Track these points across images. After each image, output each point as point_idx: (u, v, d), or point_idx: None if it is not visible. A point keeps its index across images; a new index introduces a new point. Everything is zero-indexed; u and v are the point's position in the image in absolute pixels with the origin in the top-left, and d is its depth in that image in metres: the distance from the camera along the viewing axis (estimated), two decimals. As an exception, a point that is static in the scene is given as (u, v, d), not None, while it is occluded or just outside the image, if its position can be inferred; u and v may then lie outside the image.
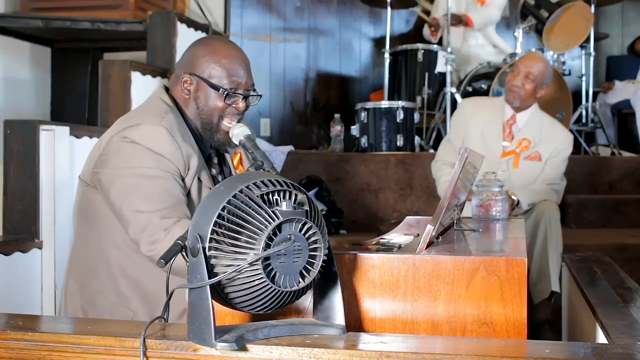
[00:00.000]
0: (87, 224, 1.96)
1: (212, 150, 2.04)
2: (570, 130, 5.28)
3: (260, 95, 2.00)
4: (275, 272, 1.16)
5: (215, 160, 2.07)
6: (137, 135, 1.84)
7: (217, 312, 1.17)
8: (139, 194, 1.80)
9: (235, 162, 2.07)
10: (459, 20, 5.30)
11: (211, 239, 1.15)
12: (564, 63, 5.88)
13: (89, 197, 1.93)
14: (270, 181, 1.19)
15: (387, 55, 5.43)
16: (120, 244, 1.89)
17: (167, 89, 2.02)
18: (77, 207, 2.01)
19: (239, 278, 1.15)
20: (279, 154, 4.72)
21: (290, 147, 4.92)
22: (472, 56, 5.44)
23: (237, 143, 1.91)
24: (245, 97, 1.95)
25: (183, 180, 1.88)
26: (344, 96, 6.49)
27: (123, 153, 1.84)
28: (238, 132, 1.90)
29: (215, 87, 1.92)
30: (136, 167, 1.82)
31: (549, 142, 3.44)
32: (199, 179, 1.93)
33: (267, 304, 1.18)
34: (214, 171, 2.03)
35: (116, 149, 1.85)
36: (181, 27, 3.88)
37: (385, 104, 4.87)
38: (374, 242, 1.87)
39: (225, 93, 1.91)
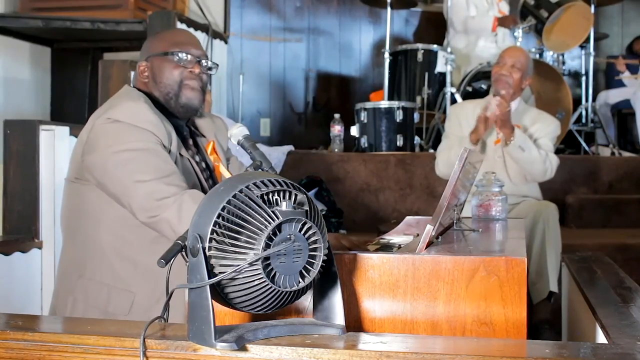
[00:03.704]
0: (78, 222, 1.97)
1: (186, 132, 2.08)
2: (570, 130, 5.32)
3: (217, 65, 2.10)
4: (275, 272, 1.16)
5: (191, 142, 2.10)
6: (120, 113, 1.88)
7: (217, 312, 1.18)
8: (137, 165, 1.83)
9: (209, 150, 2.10)
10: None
11: (211, 239, 1.15)
12: (564, 63, 5.89)
13: (78, 194, 1.95)
14: (270, 181, 1.19)
15: (387, 55, 5.43)
16: (112, 228, 1.91)
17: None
18: (64, 208, 2.03)
19: (238, 278, 1.15)
20: (279, 154, 4.71)
21: (290, 147, 4.92)
22: (474, 56, 5.44)
23: (236, 143, 1.92)
24: (199, 62, 2.03)
25: (169, 152, 1.92)
26: (344, 96, 6.49)
27: (110, 133, 1.87)
28: (236, 132, 1.91)
29: (164, 53, 2.01)
30: (126, 142, 1.85)
31: (537, 124, 3.56)
32: (180, 154, 1.97)
33: (267, 304, 1.18)
34: (190, 152, 2.05)
35: (102, 132, 1.88)
36: (181, 27, 3.88)
37: (385, 104, 4.87)
38: (374, 242, 1.87)
39: (172, 54, 2.00)
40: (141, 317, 1.86)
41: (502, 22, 5.43)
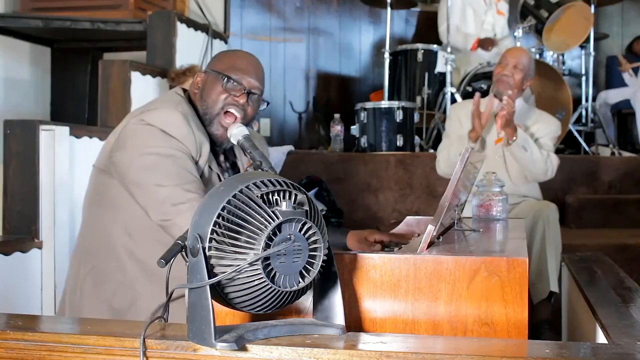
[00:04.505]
0: (97, 209, 2.01)
1: (218, 147, 2.07)
2: (570, 130, 5.32)
3: (268, 102, 2.07)
4: (275, 272, 1.15)
5: (222, 158, 2.11)
6: (153, 118, 1.91)
7: (217, 312, 1.17)
8: (159, 171, 1.87)
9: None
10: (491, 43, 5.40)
11: (211, 239, 1.15)
12: (564, 63, 5.88)
13: (103, 184, 1.99)
14: (270, 181, 1.19)
15: (387, 55, 5.43)
16: (130, 229, 1.95)
17: (184, 90, 2.11)
18: (89, 194, 2.07)
19: (238, 278, 1.14)
20: (279, 154, 4.71)
21: (290, 147, 4.92)
22: (474, 56, 5.44)
23: (235, 143, 1.92)
24: (248, 93, 1.98)
25: (196, 163, 1.94)
26: (344, 96, 6.49)
27: (139, 135, 1.90)
28: (236, 132, 1.91)
29: (217, 72, 1.99)
30: (154, 146, 1.88)
31: (538, 124, 3.57)
32: (209, 167, 1.99)
33: (267, 304, 1.18)
34: (220, 168, 2.06)
35: (133, 131, 1.92)
36: (181, 27, 3.89)
37: (385, 104, 4.87)
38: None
39: (224, 78, 1.97)
40: (143, 318, 1.87)
41: (481, 43, 5.44)
